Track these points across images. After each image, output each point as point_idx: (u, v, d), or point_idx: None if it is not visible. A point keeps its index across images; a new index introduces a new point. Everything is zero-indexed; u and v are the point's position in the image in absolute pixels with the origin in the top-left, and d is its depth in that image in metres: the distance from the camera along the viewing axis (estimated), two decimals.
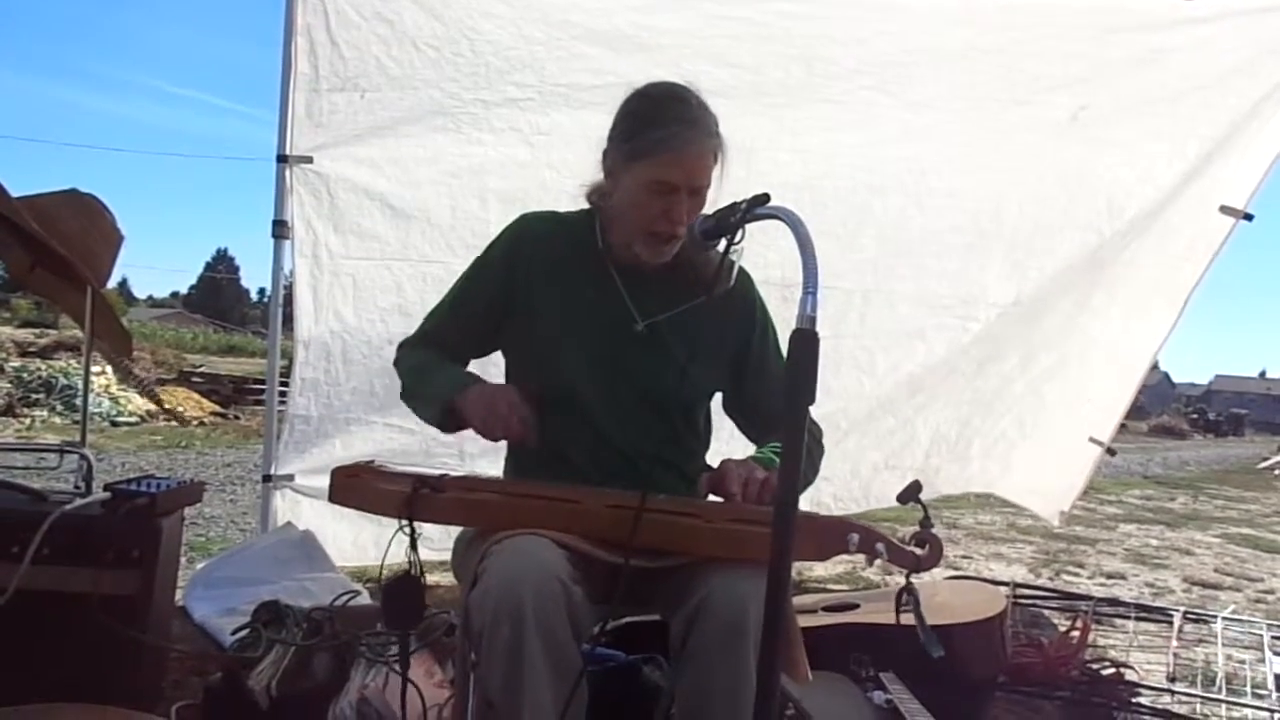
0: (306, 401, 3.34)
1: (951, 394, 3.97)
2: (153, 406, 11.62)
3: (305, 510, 3.38)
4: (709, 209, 1.54)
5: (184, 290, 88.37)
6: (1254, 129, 3.51)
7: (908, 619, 1.59)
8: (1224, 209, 3.64)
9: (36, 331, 14.49)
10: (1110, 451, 4.18)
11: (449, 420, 1.71)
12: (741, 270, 1.81)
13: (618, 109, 1.75)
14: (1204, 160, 3.58)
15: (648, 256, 1.74)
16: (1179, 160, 3.59)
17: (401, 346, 1.91)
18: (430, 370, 1.81)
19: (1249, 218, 3.63)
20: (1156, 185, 3.63)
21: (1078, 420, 4.08)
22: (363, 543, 3.33)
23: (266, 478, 3.36)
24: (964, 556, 5.51)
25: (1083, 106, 3.48)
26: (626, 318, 1.77)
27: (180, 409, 11.88)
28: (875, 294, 3.68)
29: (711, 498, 1.65)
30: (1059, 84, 3.44)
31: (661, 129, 1.65)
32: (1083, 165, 3.60)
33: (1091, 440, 4.08)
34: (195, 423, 11.42)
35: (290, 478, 3.36)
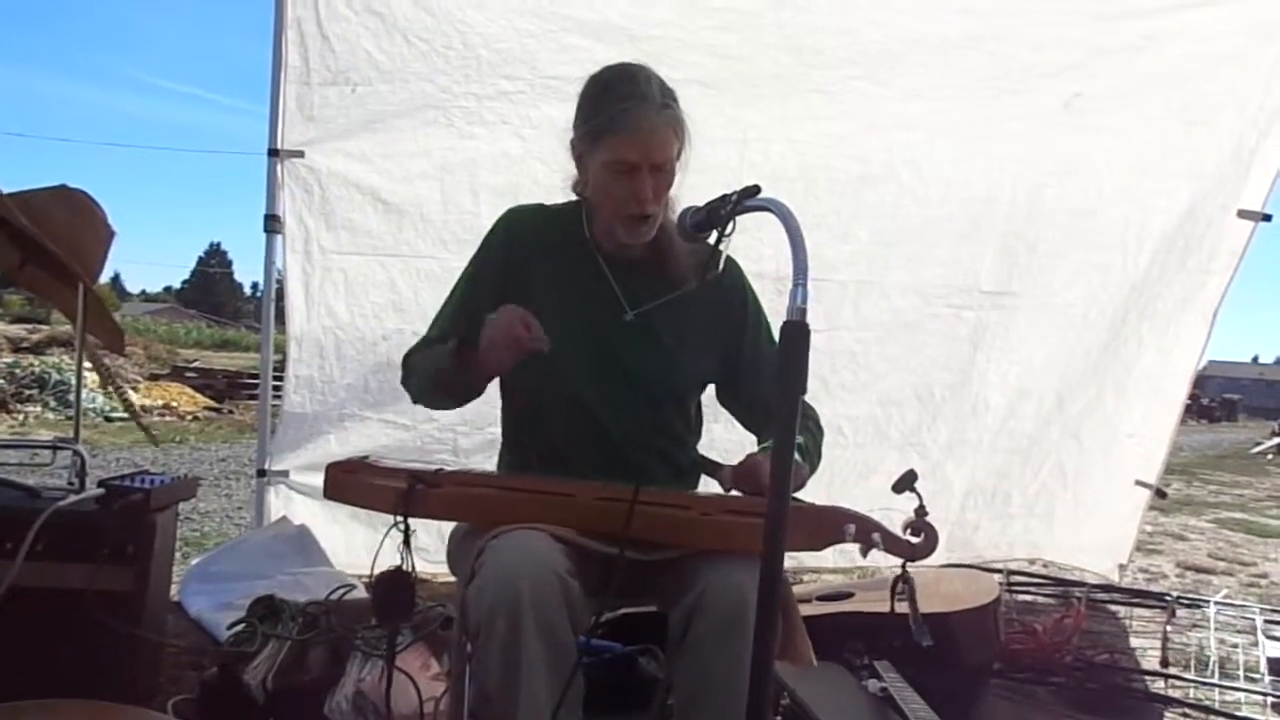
0: (301, 399, 3.32)
1: (983, 438, 3.87)
2: (148, 401, 11.59)
3: (299, 509, 3.37)
4: (697, 197, 1.54)
5: (177, 285, 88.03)
6: (1264, 127, 3.52)
7: (902, 607, 1.60)
8: (1242, 213, 3.62)
9: (29, 327, 14.43)
10: (1160, 494, 3.99)
11: (468, 375, 1.65)
12: (730, 259, 1.81)
13: (578, 97, 1.74)
14: (1212, 161, 3.58)
15: (629, 239, 1.73)
16: (1175, 149, 3.59)
17: (406, 358, 1.88)
18: (426, 359, 1.78)
19: (1267, 218, 3.61)
20: (1148, 172, 3.63)
21: (1119, 462, 3.95)
22: (355, 547, 3.30)
23: (261, 473, 3.36)
24: None
25: (1076, 94, 3.48)
26: (616, 307, 1.77)
27: (174, 403, 11.86)
28: (869, 285, 3.65)
29: (734, 492, 1.65)
30: (1052, 71, 3.44)
31: (610, 108, 1.65)
32: (1077, 152, 3.60)
33: (1138, 483, 3.95)
34: (189, 418, 11.40)
35: (285, 474, 3.35)
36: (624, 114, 1.63)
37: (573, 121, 1.74)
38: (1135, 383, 3.87)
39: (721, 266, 1.69)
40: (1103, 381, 3.88)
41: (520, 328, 1.56)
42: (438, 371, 1.72)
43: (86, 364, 2.67)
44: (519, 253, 1.80)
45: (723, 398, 1.95)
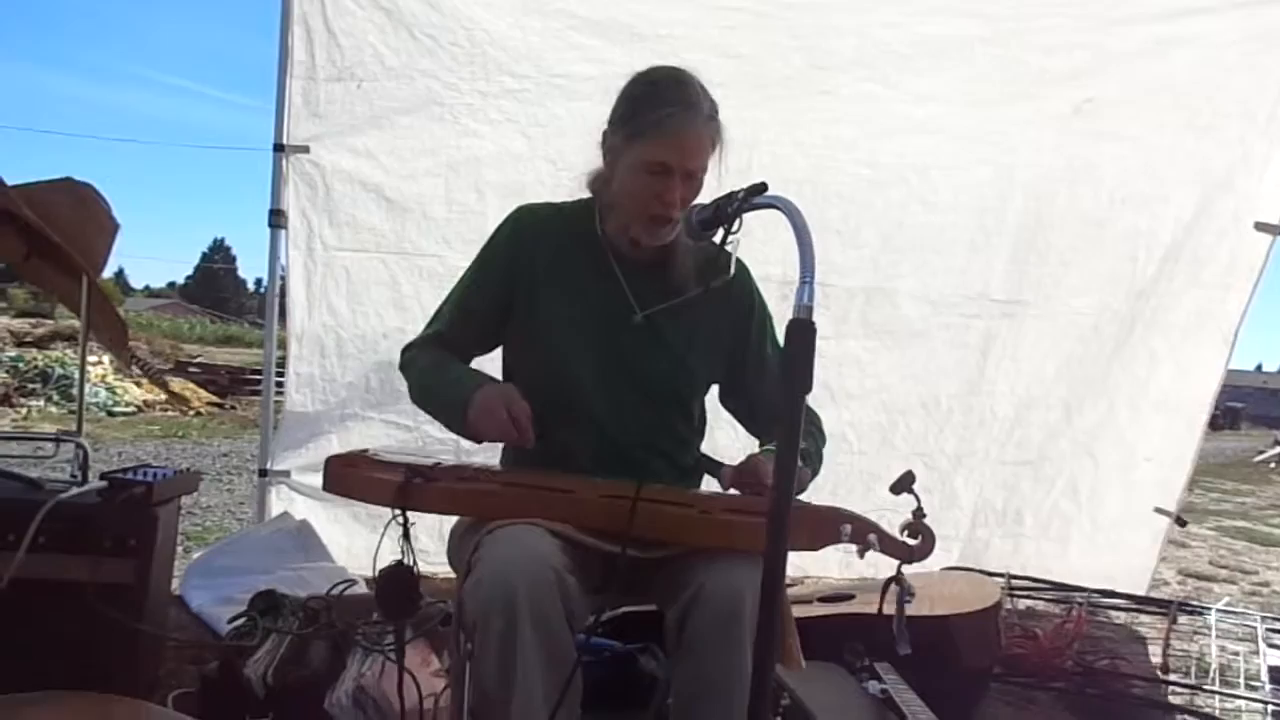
0: (303, 398, 3.33)
1: (991, 449, 3.82)
2: (151, 396, 11.61)
3: (300, 509, 3.37)
4: (703, 198, 1.54)
5: (181, 280, 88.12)
6: (1275, 136, 3.50)
7: (892, 609, 1.60)
8: (1259, 226, 3.59)
9: (33, 321, 14.45)
10: (1180, 522, 3.91)
11: (464, 428, 1.69)
12: (740, 262, 1.81)
13: (620, 92, 1.74)
14: (1223, 169, 3.56)
15: (646, 240, 1.73)
16: (1185, 156, 3.57)
17: (407, 350, 1.87)
18: (439, 373, 1.78)
19: None
20: (1159, 179, 3.62)
21: (1138, 486, 3.88)
22: (357, 548, 3.29)
23: (263, 473, 3.35)
24: None
25: (1087, 99, 3.47)
26: (625, 308, 1.77)
27: (182, 394, 11.89)
28: (877, 292, 3.64)
29: (732, 491, 1.64)
30: (1062, 76, 3.44)
31: (658, 110, 1.65)
32: (1087, 158, 3.59)
33: (1158, 510, 3.89)
34: (192, 413, 11.41)
35: (286, 474, 3.35)
36: (670, 118, 1.63)
37: (609, 116, 1.74)
38: (1152, 402, 3.81)
39: (732, 270, 1.70)
40: (1115, 396, 3.82)
41: (508, 425, 1.58)
42: (442, 406, 1.74)
43: (103, 355, 2.67)
44: (526, 252, 1.80)
45: (726, 401, 1.95)
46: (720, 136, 1.70)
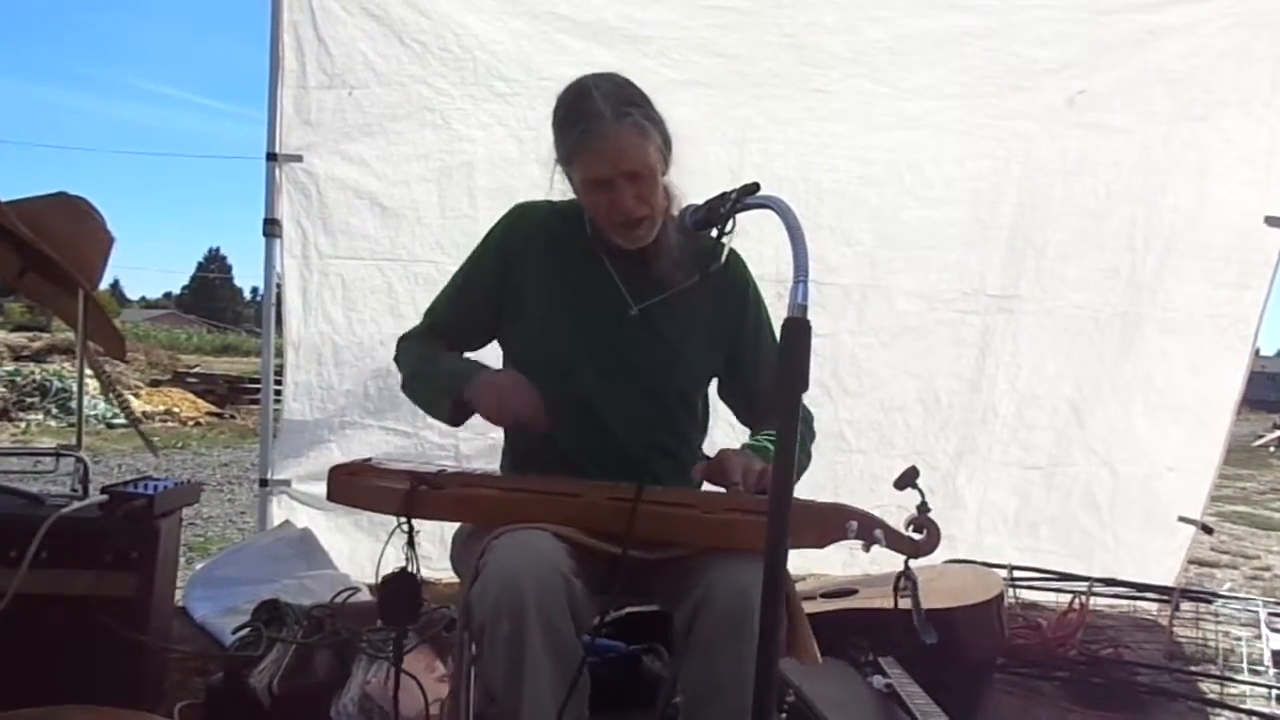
0: (301, 406, 3.32)
1: (994, 449, 3.76)
2: (150, 407, 11.59)
3: (302, 519, 3.37)
4: (697, 199, 1.53)
5: (177, 291, 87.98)
6: (1273, 125, 3.49)
7: (905, 603, 1.60)
8: (1270, 220, 3.56)
9: (30, 335, 14.42)
10: (1206, 530, 3.85)
11: (456, 412, 1.72)
12: (733, 252, 1.81)
13: None
14: (1220, 161, 3.54)
15: (626, 244, 1.73)
16: (1182, 147, 3.56)
17: (402, 340, 1.90)
18: (433, 361, 1.80)
19: None
20: (1155, 170, 3.60)
21: (1161, 498, 3.81)
22: (359, 557, 3.29)
23: (263, 482, 3.35)
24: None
25: (1079, 91, 3.46)
26: (620, 302, 1.77)
27: (176, 409, 11.86)
28: (872, 289, 3.61)
29: (706, 486, 1.65)
30: (1054, 68, 3.44)
31: (569, 132, 1.66)
32: (1081, 150, 3.58)
33: (1182, 519, 3.83)
34: (191, 423, 11.40)
35: (287, 483, 3.35)
36: (582, 135, 1.64)
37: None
38: (1171, 407, 3.75)
39: (724, 259, 1.70)
40: (1128, 401, 3.76)
41: (524, 404, 1.62)
42: (434, 396, 1.77)
43: (88, 371, 2.66)
44: (521, 249, 1.81)
45: (723, 392, 1.95)
46: (648, 125, 1.66)
